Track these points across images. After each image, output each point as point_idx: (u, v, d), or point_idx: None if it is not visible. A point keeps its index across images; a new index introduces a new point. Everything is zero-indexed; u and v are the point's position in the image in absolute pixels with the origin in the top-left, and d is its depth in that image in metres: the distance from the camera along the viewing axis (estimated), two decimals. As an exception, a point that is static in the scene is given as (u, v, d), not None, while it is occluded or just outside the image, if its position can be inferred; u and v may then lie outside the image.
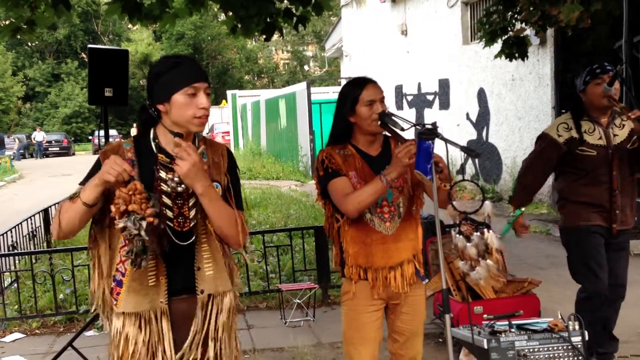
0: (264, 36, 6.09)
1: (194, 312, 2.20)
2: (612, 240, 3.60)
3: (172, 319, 2.19)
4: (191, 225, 2.19)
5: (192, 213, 2.19)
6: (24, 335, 5.24)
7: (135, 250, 2.02)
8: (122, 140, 2.27)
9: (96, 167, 2.18)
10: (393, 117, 2.73)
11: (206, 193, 2.12)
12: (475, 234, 4.06)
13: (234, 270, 2.34)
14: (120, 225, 2.01)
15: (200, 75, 2.19)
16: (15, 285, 5.64)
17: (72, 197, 2.11)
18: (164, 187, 2.16)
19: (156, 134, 2.21)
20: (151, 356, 2.17)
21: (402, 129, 2.71)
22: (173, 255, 2.18)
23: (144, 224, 2.00)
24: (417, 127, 2.67)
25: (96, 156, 2.27)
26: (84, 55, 45.47)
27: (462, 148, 2.60)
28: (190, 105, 2.15)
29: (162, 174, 2.17)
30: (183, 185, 2.14)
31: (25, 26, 5.52)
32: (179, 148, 2.08)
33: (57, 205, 9.08)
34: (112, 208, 2.02)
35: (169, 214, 2.16)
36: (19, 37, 5.81)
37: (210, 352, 2.21)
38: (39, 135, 35.43)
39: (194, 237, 2.19)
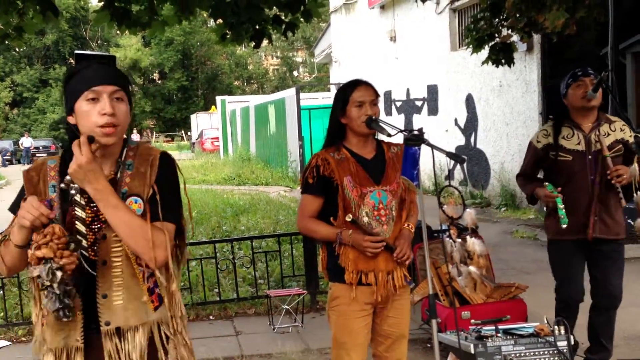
0: (254, 43, 6.10)
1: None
2: (598, 248, 3.62)
3: (95, 356, 1.98)
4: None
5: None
6: (10, 343, 5.19)
7: (50, 303, 1.83)
8: (48, 157, 2.07)
9: (22, 190, 2.03)
10: (380, 123, 2.75)
11: (99, 197, 1.89)
12: (457, 240, 4.09)
13: (173, 296, 2.05)
14: (34, 273, 1.82)
15: (103, 76, 1.94)
16: (1, 292, 5.59)
17: (4, 240, 1.96)
18: (78, 212, 1.96)
19: None
20: None
21: (389, 135, 2.73)
22: (88, 286, 1.96)
23: (58, 274, 1.80)
24: (404, 133, 2.69)
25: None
26: (72, 61, 45.26)
27: (448, 154, 2.62)
28: (92, 113, 1.92)
29: (77, 197, 1.97)
30: (76, 187, 1.93)
31: (13, 32, 5.50)
32: (73, 145, 1.88)
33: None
34: (28, 253, 1.83)
35: (84, 242, 1.95)
36: (7, 43, 5.78)
37: None
38: (26, 141, 35.20)
39: (102, 261, 1.96)
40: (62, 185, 1.93)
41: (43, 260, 1.81)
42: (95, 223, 1.97)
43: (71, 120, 1.98)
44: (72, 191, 1.95)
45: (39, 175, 2.03)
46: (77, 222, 1.97)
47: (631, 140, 3.61)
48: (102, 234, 1.97)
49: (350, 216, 2.62)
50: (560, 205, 3.46)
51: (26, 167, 2.09)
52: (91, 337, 1.98)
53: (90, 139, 1.90)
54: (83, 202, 1.98)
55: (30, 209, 1.84)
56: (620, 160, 3.55)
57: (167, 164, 2.06)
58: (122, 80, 2.00)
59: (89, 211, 1.97)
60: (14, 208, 2.02)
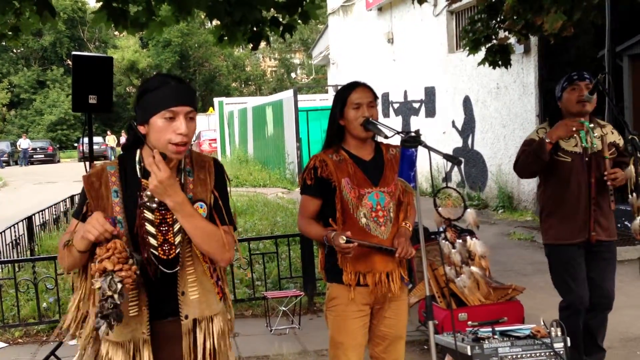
0: (251, 45, 6.10)
1: (181, 335, 2.16)
2: (595, 250, 3.64)
3: (158, 343, 2.16)
4: (177, 252, 2.13)
5: (178, 239, 2.13)
6: (7, 345, 5.18)
7: (105, 312, 1.96)
8: (106, 163, 2.20)
9: (83, 195, 2.16)
10: (377, 125, 2.76)
11: (178, 209, 2.05)
12: (457, 241, 4.09)
13: (227, 296, 2.27)
14: (96, 285, 1.96)
15: (182, 98, 2.09)
16: (-2, 293, 5.58)
17: (67, 245, 2.09)
18: (147, 214, 2.11)
19: (142, 156, 2.14)
20: None
21: (386, 137, 2.75)
22: (158, 283, 2.13)
23: (119, 286, 1.95)
24: (401, 134, 2.70)
25: (81, 164, 2.24)
26: (69, 62, 45.22)
27: (444, 155, 2.63)
28: (167, 130, 2.06)
29: (146, 200, 2.12)
30: (156, 200, 2.09)
31: (10, 33, 5.50)
32: (149, 163, 2.03)
33: (41, 213, 9.03)
34: (92, 266, 2.00)
35: (153, 242, 2.11)
36: (3, 43, 5.79)
37: None
38: (24, 143, 35.14)
39: (181, 264, 2.14)
40: (145, 200, 2.11)
41: (105, 273, 1.96)
42: (164, 225, 2.13)
43: (142, 129, 2.11)
44: (154, 205, 2.11)
45: (100, 180, 2.15)
46: (146, 224, 2.12)
47: (621, 143, 3.65)
48: (177, 239, 2.14)
49: (344, 237, 2.63)
50: (588, 124, 3.45)
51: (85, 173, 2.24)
52: (155, 326, 2.16)
53: (163, 156, 2.06)
54: (153, 206, 2.12)
55: (96, 224, 1.98)
56: (612, 163, 3.59)
57: (221, 170, 2.26)
58: (195, 99, 2.16)
59: (158, 214, 2.13)
60: (78, 212, 2.17)
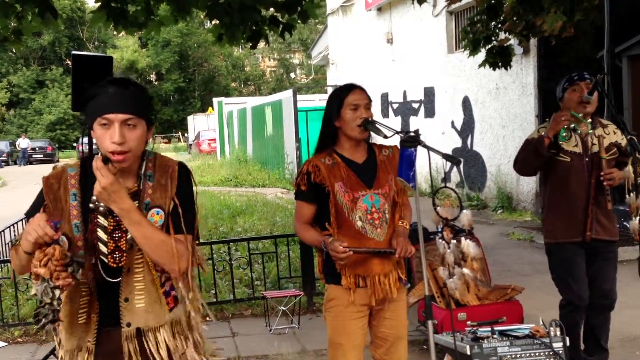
0: (250, 44, 6.11)
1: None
2: (596, 250, 3.65)
3: (106, 351, 2.10)
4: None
5: (130, 245, 2.08)
6: (6, 344, 5.18)
7: (42, 316, 1.92)
8: (67, 165, 2.15)
9: (40, 196, 2.11)
10: (376, 125, 2.77)
11: (125, 215, 1.98)
12: (452, 241, 4.09)
13: (192, 298, 2.18)
14: (32, 291, 1.93)
15: (116, 104, 2.00)
16: (-3, 293, 5.57)
17: (15, 245, 2.05)
18: (100, 220, 2.06)
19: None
20: None
21: (385, 137, 2.74)
22: (107, 289, 2.09)
23: (57, 292, 1.89)
24: (400, 134, 2.71)
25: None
26: (68, 62, 45.17)
27: (444, 155, 2.63)
28: (105, 138, 2.00)
29: (101, 207, 2.06)
30: (102, 205, 2.03)
31: (12, 36, 5.50)
32: (94, 168, 1.97)
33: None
34: (31, 268, 1.94)
35: (103, 249, 2.06)
36: (6, 46, 5.79)
37: None
38: (23, 142, 35.11)
39: (127, 269, 2.08)
40: (91, 205, 2.04)
41: (41, 279, 1.90)
42: (117, 232, 2.07)
43: (93, 135, 2.07)
44: (101, 208, 2.05)
45: (59, 182, 2.10)
46: (98, 230, 2.06)
47: (623, 142, 3.65)
48: (129, 244, 2.07)
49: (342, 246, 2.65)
50: (578, 115, 3.46)
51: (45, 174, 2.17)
52: (102, 334, 2.11)
53: (105, 161, 1.98)
54: (103, 210, 2.07)
55: (36, 226, 1.90)
56: (613, 163, 3.60)
57: (185, 175, 2.16)
58: (138, 103, 2.04)
59: (112, 220, 2.08)
60: (31, 213, 2.09)
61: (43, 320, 1.92)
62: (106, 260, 2.06)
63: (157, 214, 2.08)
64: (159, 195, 2.10)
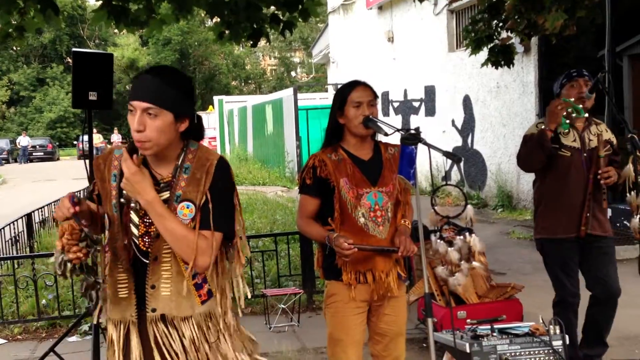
0: (251, 42, 6.10)
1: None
2: (593, 245, 3.66)
3: (145, 332, 2.15)
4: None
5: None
6: (6, 341, 5.19)
7: (85, 287, 2.09)
8: (116, 147, 2.24)
9: (92, 175, 2.26)
10: (377, 122, 2.77)
11: (148, 207, 2.03)
12: (458, 237, 4.09)
13: (223, 296, 2.19)
14: (50, 260, 2.06)
15: (140, 92, 2.04)
16: (-3, 290, 5.58)
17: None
18: (134, 202, 2.11)
19: None
20: None
21: (386, 134, 2.75)
22: (142, 272, 2.14)
23: (69, 266, 2.03)
24: (401, 132, 2.71)
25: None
26: (69, 60, 45.11)
27: (444, 153, 2.63)
28: (131, 125, 2.06)
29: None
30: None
31: (14, 32, 5.50)
32: (122, 159, 2.05)
33: (40, 210, 9.03)
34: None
35: (135, 231, 2.12)
36: (8, 43, 5.79)
37: None
38: (24, 140, 35.13)
39: (154, 257, 2.11)
40: (122, 199, 2.12)
41: (59, 250, 2.06)
42: (147, 217, 2.10)
43: None
44: (132, 204, 2.11)
45: (105, 163, 2.18)
46: (132, 212, 2.12)
47: (614, 141, 3.69)
48: (156, 233, 2.10)
49: (347, 242, 2.64)
50: (570, 101, 3.47)
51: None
52: (143, 316, 2.15)
53: (132, 152, 2.05)
54: (132, 203, 2.12)
55: (60, 204, 2.04)
56: (607, 161, 3.62)
57: (223, 170, 2.13)
58: (163, 93, 2.03)
59: None
60: (90, 193, 2.24)
61: (85, 289, 2.09)
62: (137, 242, 2.11)
63: (187, 207, 2.08)
64: (192, 189, 2.10)
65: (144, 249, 2.12)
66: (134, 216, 2.11)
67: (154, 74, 2.06)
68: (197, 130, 2.20)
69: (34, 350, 4.93)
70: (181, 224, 2.06)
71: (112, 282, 2.16)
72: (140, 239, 2.12)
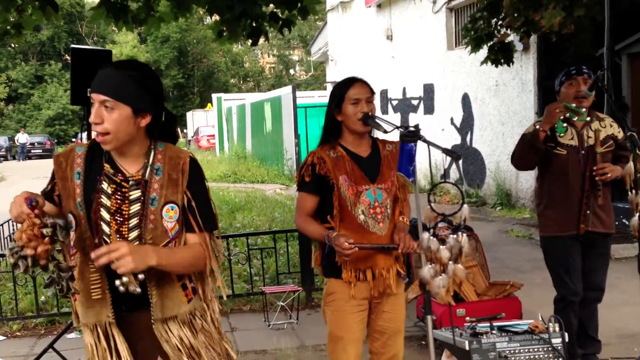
0: (250, 40, 6.09)
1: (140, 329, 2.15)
2: (591, 243, 3.67)
3: (134, 329, 2.15)
4: None
5: (132, 235, 2.07)
6: (5, 338, 5.18)
7: (55, 284, 1.97)
8: (77, 145, 2.19)
9: (52, 174, 2.16)
10: (376, 119, 2.76)
11: (160, 265, 2.01)
12: (451, 236, 4.07)
13: (206, 292, 2.22)
14: (10, 260, 1.96)
15: (98, 85, 2.02)
16: (-4, 287, 5.58)
17: None
18: (104, 200, 2.07)
19: None
20: None
21: (385, 131, 2.74)
22: (115, 276, 2.04)
23: (30, 262, 1.93)
24: (400, 129, 2.71)
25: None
26: (67, 57, 45.01)
27: (444, 150, 2.63)
28: (91, 117, 2.04)
29: (104, 185, 2.08)
30: (137, 284, 2.01)
31: (13, 30, 5.49)
32: (96, 258, 1.93)
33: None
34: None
35: (106, 229, 2.07)
36: (6, 40, 5.77)
37: None
38: (22, 137, 35.07)
39: None
40: (121, 288, 2.01)
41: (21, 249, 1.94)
42: (118, 215, 2.07)
43: None
44: (130, 287, 2.01)
45: (67, 161, 2.13)
46: (102, 209, 2.07)
47: (620, 135, 3.67)
48: (139, 239, 2.08)
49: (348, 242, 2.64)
50: (571, 106, 3.46)
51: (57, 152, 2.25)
52: (120, 314, 2.13)
53: (93, 148, 2.11)
54: (109, 192, 2.08)
55: (16, 204, 1.95)
56: (610, 156, 3.62)
57: (196, 168, 2.16)
58: (122, 87, 2.01)
59: (114, 201, 2.08)
60: (44, 192, 2.16)
61: (54, 286, 1.98)
62: (109, 241, 2.05)
63: (172, 209, 2.09)
64: (172, 191, 2.10)
65: None
66: (104, 213, 2.07)
67: (116, 68, 2.05)
68: (168, 131, 2.18)
69: (33, 346, 4.93)
70: (184, 250, 2.10)
71: (83, 285, 2.11)
72: (111, 237, 2.07)
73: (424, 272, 3.76)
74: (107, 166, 2.09)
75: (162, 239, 2.09)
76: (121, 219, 2.07)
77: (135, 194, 2.08)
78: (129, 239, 2.07)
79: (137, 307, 2.13)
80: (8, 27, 5.40)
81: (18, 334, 5.27)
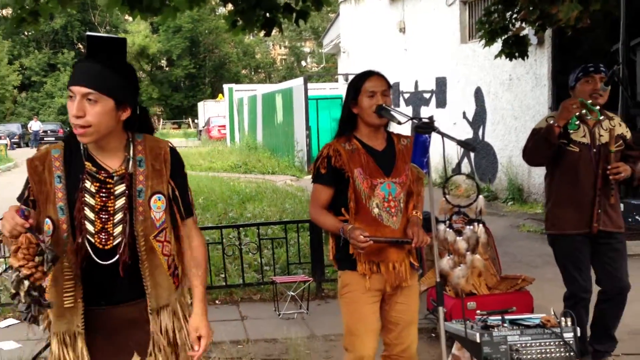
0: (264, 32, 6.09)
1: (141, 318, 2.14)
2: (604, 241, 3.65)
3: (112, 328, 2.13)
4: (114, 243, 2.05)
5: (117, 230, 2.05)
6: (18, 322, 5.23)
7: (20, 307, 1.91)
8: (51, 146, 2.13)
9: (27, 180, 2.12)
10: (390, 111, 2.77)
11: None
12: (467, 227, 4.08)
13: (184, 275, 2.25)
14: (4, 282, 1.90)
15: (78, 77, 1.99)
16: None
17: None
18: (88, 198, 2.04)
19: None
20: None
21: (399, 123, 2.75)
22: (97, 272, 2.07)
23: (26, 283, 1.86)
24: (414, 120, 2.71)
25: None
26: (80, 46, 45.25)
27: (459, 142, 2.63)
28: (70, 110, 2.00)
29: (87, 184, 2.04)
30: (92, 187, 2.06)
31: (29, 17, 5.51)
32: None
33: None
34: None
35: (90, 228, 2.04)
36: (22, 28, 5.79)
37: None
38: (35, 125, 35.30)
39: (116, 257, 2.06)
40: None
41: (13, 268, 1.87)
42: (103, 212, 2.04)
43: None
44: (87, 184, 2.04)
45: (44, 164, 2.08)
46: (86, 208, 2.03)
47: (628, 135, 3.66)
48: (132, 236, 2.08)
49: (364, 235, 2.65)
50: (587, 102, 3.44)
51: (30, 155, 2.15)
52: (95, 315, 2.11)
53: (69, 142, 2.10)
54: (93, 190, 2.05)
55: (8, 218, 1.90)
56: (619, 156, 3.61)
57: (177, 157, 2.19)
58: (104, 79, 1.99)
59: (99, 199, 2.05)
60: (21, 197, 2.11)
61: (26, 313, 1.92)
62: (92, 240, 2.04)
63: (159, 199, 2.11)
64: (157, 181, 2.11)
65: (100, 247, 2.05)
66: (88, 212, 2.04)
67: (96, 60, 2.01)
68: (142, 123, 2.17)
69: (46, 330, 4.97)
70: (201, 265, 2.24)
71: (55, 294, 2.08)
72: (96, 236, 2.04)
73: (442, 263, 3.79)
74: (88, 164, 2.06)
75: (151, 230, 2.09)
76: (106, 216, 2.05)
77: (120, 188, 2.07)
78: (114, 234, 2.05)
79: (118, 301, 2.12)
80: (24, 15, 5.42)
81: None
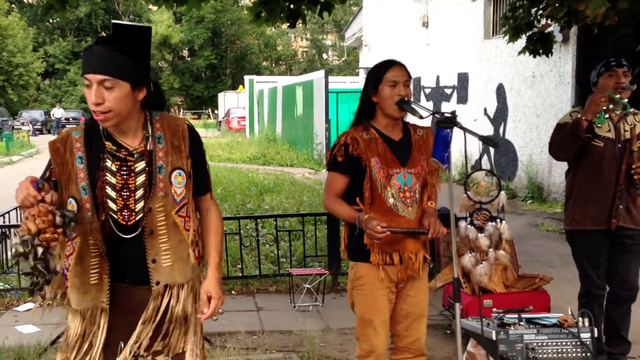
0: (288, 23, 6.07)
1: (144, 303, 2.17)
2: (621, 240, 3.61)
3: (123, 309, 2.16)
4: (137, 218, 2.10)
5: (139, 206, 2.10)
6: (38, 305, 5.30)
7: (31, 280, 1.92)
8: (72, 129, 2.18)
9: (49, 161, 2.16)
10: (412, 105, 2.75)
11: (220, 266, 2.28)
12: (489, 224, 4.04)
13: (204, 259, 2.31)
14: (14, 241, 1.91)
15: (93, 65, 2.01)
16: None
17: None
18: (109, 177, 2.09)
19: None
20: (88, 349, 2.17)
21: (421, 117, 2.72)
22: (122, 248, 2.12)
23: (39, 250, 1.88)
24: (436, 115, 2.69)
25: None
26: (104, 34, 45.43)
27: (481, 137, 2.60)
28: (88, 98, 2.04)
29: (108, 163, 2.09)
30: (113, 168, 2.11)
31: (57, 4, 5.56)
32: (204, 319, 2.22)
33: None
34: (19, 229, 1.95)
35: (112, 206, 2.08)
36: (50, 15, 5.84)
37: (173, 341, 2.20)
38: (57, 112, 35.68)
39: (139, 230, 2.11)
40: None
41: (29, 235, 1.89)
42: (125, 190, 2.08)
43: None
44: (108, 163, 2.10)
45: (65, 146, 2.13)
46: (107, 187, 2.08)
47: None
48: (147, 207, 2.10)
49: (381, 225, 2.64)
50: (614, 96, 3.41)
51: (52, 138, 2.19)
52: (116, 291, 2.15)
53: (90, 127, 2.15)
54: (114, 169, 2.09)
55: (22, 188, 1.93)
56: None
57: (195, 133, 2.23)
58: (118, 64, 2.00)
59: (120, 178, 2.09)
60: (42, 177, 2.14)
61: (34, 285, 1.94)
62: (116, 217, 2.09)
63: (180, 175, 2.14)
64: (176, 157, 2.15)
65: (123, 223, 2.10)
66: (110, 191, 2.08)
67: (106, 44, 2.03)
68: (157, 99, 2.20)
69: (65, 315, 5.04)
70: (217, 235, 2.30)
71: (81, 271, 2.12)
72: (118, 213, 2.09)
73: (464, 260, 3.76)
74: (108, 144, 2.10)
75: (172, 206, 2.14)
76: (127, 193, 2.09)
77: (140, 165, 2.11)
78: (136, 210, 2.10)
79: (140, 281, 2.15)
80: (52, 2, 5.46)
81: (50, 302, 5.38)
